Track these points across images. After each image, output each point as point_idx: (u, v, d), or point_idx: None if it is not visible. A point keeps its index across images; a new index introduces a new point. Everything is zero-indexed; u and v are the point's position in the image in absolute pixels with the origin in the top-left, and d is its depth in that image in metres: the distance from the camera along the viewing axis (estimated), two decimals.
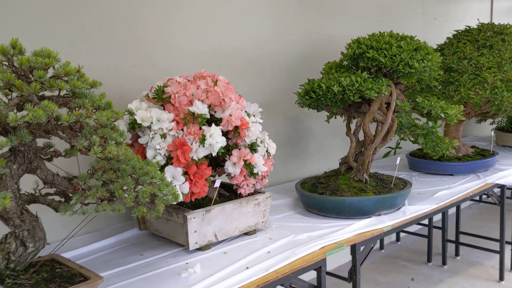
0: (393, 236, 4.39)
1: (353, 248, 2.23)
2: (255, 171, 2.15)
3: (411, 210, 2.55)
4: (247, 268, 1.88)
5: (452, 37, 3.60)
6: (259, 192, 2.27)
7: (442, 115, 2.57)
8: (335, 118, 2.92)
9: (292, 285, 2.03)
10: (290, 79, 3.28)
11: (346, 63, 2.84)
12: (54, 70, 1.32)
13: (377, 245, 4.18)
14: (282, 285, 1.96)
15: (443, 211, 2.99)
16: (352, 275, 2.25)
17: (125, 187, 1.39)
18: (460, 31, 3.57)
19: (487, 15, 5.57)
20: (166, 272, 1.87)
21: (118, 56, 2.40)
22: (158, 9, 2.55)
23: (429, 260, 3.88)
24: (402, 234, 4.37)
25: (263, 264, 1.91)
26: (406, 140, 2.72)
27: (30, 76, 1.25)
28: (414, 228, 4.06)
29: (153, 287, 1.74)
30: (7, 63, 1.23)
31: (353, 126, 2.76)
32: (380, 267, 3.70)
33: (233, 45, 2.94)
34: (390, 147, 2.88)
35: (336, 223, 2.37)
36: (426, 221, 3.88)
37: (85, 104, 1.30)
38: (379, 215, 2.46)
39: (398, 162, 2.78)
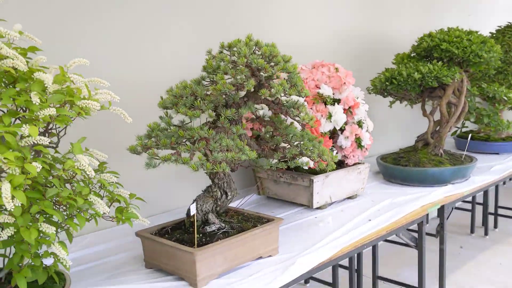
0: (434, 213, 4.83)
1: (441, 208, 2.67)
2: (362, 144, 2.57)
3: (477, 180, 2.99)
4: (369, 220, 2.30)
5: (495, 32, 4.04)
6: (359, 163, 2.69)
7: (505, 98, 3.00)
8: (400, 103, 3.35)
9: (400, 235, 2.45)
10: (355, 68, 3.70)
11: (414, 54, 3.26)
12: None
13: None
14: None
15: (502, 181, 3.39)
16: (440, 231, 2.69)
17: (310, 148, 1.80)
18: (503, 27, 4.01)
19: None
20: (304, 223, 2.29)
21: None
22: (255, 3, 2.95)
23: (472, 231, 4.34)
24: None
25: (379, 219, 2.33)
26: (470, 121, 3.15)
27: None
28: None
29: (303, 232, 2.16)
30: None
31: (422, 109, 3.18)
32: (431, 239, 4.15)
33: (316, 38, 3.35)
34: (456, 127, 3.31)
35: (420, 189, 2.79)
36: (469, 198, 4.33)
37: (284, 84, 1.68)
38: (454, 183, 2.89)
39: (469, 138, 3.21)
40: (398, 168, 2.93)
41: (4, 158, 1.09)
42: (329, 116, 2.35)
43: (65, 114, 1.21)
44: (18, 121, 1.24)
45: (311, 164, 2.36)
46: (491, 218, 4.44)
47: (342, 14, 3.59)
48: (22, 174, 1.12)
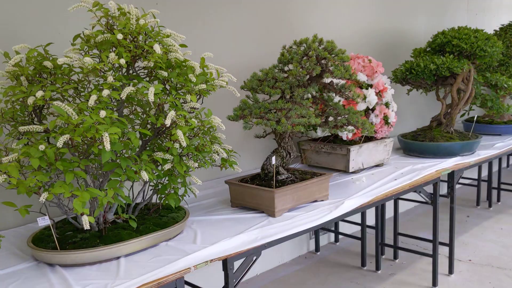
0: (444, 189, 5.46)
1: (451, 174, 3.29)
2: (389, 121, 3.20)
3: (481, 153, 3.61)
4: (395, 179, 2.93)
5: (498, 29, 4.64)
6: (385, 137, 3.32)
7: (505, 86, 3.61)
8: (417, 91, 3.96)
9: (420, 192, 3.08)
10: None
11: (429, 48, 3.88)
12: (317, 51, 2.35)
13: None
14: (414, 191, 3.02)
15: (505, 155, 3.99)
16: (450, 193, 3.32)
17: (355, 119, 2.43)
18: (505, 25, 4.60)
19: None
20: (343, 182, 2.92)
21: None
22: (298, 8, 3.58)
23: (478, 204, 4.96)
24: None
25: (403, 179, 2.96)
26: (476, 105, 3.76)
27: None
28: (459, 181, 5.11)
29: (344, 187, 2.79)
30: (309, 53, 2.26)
31: (434, 96, 3.80)
32: (443, 206, 4.80)
33: (343, 33, 3.97)
34: (464, 110, 3.93)
35: (434, 160, 3.41)
36: (475, 176, 4.95)
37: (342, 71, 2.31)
38: (462, 155, 3.51)
39: (475, 119, 3.82)
40: (416, 143, 3.55)
41: (177, 114, 1.74)
42: (364, 98, 2.98)
43: (207, 89, 1.85)
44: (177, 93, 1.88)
45: (349, 136, 3.01)
46: (494, 193, 5.06)
47: (366, 13, 4.21)
48: (186, 126, 1.77)
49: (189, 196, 2.17)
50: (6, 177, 1.58)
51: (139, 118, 1.97)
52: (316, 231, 3.92)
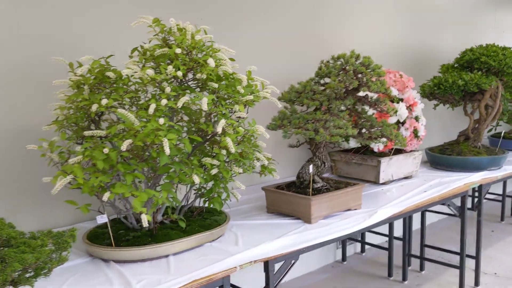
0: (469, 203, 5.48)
1: (479, 188, 3.35)
2: (418, 134, 3.28)
3: (508, 168, 3.66)
4: (425, 191, 3.01)
5: None
6: (415, 150, 3.40)
7: None
8: (443, 106, 4.04)
9: (449, 205, 3.15)
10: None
11: (457, 65, 3.96)
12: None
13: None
14: (443, 203, 3.09)
15: None
16: (478, 206, 3.38)
17: (389, 131, 2.53)
18: None
19: None
20: (373, 193, 3.01)
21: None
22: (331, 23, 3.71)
23: (502, 219, 4.98)
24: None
25: (432, 191, 3.04)
26: (503, 120, 3.83)
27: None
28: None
29: (375, 198, 2.88)
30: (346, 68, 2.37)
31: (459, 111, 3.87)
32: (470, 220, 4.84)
33: (373, 47, 4.09)
34: (492, 125, 3.99)
35: (461, 174, 3.48)
36: (500, 191, 4.98)
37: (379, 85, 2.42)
38: (489, 170, 3.57)
39: (502, 134, 3.89)
40: (444, 156, 3.63)
41: (227, 123, 1.87)
42: (395, 111, 3.08)
43: (253, 100, 1.98)
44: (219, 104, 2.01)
45: (381, 148, 3.10)
46: None
47: (394, 29, 4.32)
48: (234, 134, 1.90)
49: (230, 200, 2.28)
50: (72, 177, 1.73)
51: (189, 126, 2.11)
52: (343, 241, 4.01)
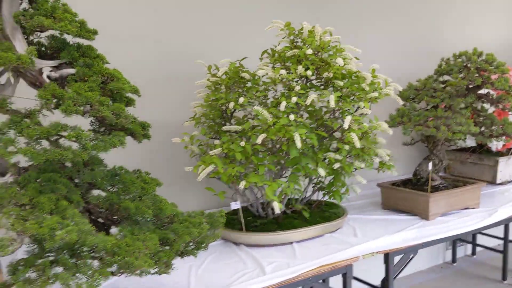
0: None
1: None
2: None
3: None
4: None
5: None
6: None
7: None
8: None
9: None
10: None
11: None
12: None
13: None
14: None
15: None
16: None
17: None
18: None
19: None
20: (489, 193, 2.92)
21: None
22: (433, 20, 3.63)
23: None
24: None
25: None
26: None
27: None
28: None
29: (491, 198, 2.80)
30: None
31: None
32: None
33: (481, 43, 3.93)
34: None
35: None
36: None
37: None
38: None
39: None
40: None
41: (352, 119, 1.97)
42: None
43: (377, 97, 2.06)
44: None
45: (499, 147, 3.01)
46: None
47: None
48: (358, 130, 1.99)
49: (349, 195, 2.37)
50: (213, 167, 1.94)
51: (313, 122, 2.23)
52: (453, 242, 3.91)
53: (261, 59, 2.21)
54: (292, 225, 2.15)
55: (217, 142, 2.07)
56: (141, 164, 1.63)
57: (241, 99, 1.97)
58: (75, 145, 1.17)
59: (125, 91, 1.28)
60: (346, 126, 1.93)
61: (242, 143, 1.92)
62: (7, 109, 1.17)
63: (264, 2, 2.79)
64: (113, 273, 1.11)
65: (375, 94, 2.04)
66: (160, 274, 1.28)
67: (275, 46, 2.15)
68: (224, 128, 2.03)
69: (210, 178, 2.02)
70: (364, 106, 2.02)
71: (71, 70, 1.26)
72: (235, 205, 2.09)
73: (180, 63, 2.50)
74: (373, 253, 2.05)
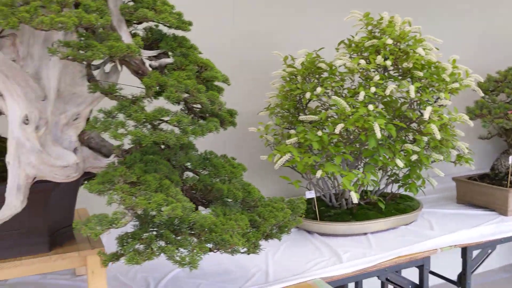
0: None
1: None
2: None
3: None
4: None
5: None
6: None
7: None
8: None
9: None
10: None
11: None
12: None
13: None
14: None
15: None
16: None
17: None
18: None
19: None
20: None
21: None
22: None
23: None
24: None
25: None
26: None
27: None
28: None
29: None
30: None
31: None
32: None
33: None
34: None
35: None
36: None
37: None
38: None
39: None
40: None
41: (433, 110, 1.94)
42: None
43: (458, 88, 2.02)
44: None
45: None
46: None
47: None
48: (438, 121, 1.96)
49: (425, 187, 2.32)
50: (290, 156, 1.98)
51: (390, 113, 2.22)
52: None
53: (337, 49, 2.23)
54: (366, 216, 2.16)
55: (292, 132, 2.11)
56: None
57: (319, 89, 2.00)
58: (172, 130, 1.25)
59: (218, 79, 1.35)
60: (426, 117, 1.91)
61: (319, 133, 1.95)
62: (115, 94, 1.26)
63: None
64: (210, 249, 1.18)
65: (456, 85, 2.00)
66: (248, 254, 1.34)
67: (352, 37, 2.15)
68: (301, 117, 2.06)
69: (278, 168, 2.05)
70: (444, 97, 1.99)
71: (169, 60, 1.34)
72: (310, 194, 2.12)
73: (252, 52, 2.56)
74: (451, 246, 2.02)
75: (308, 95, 2.05)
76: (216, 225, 1.18)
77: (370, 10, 2.14)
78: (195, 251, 1.11)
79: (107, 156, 1.35)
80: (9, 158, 1.19)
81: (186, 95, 1.25)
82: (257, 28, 2.59)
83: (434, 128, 1.92)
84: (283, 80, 2.27)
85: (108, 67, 1.37)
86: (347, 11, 2.16)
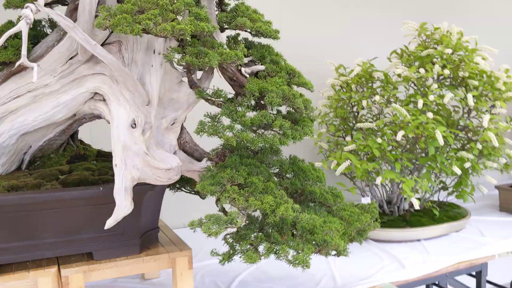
0: None
1: None
2: None
3: None
4: None
5: None
6: None
7: None
8: None
9: None
10: None
11: None
12: None
13: None
14: None
15: None
16: None
17: None
18: None
19: None
20: None
21: None
22: None
23: None
24: None
25: None
26: None
27: None
28: None
29: None
30: None
31: None
32: None
33: None
34: None
35: None
36: None
37: None
38: None
39: None
40: None
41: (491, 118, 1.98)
42: None
43: (511, 97, 2.07)
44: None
45: None
46: None
47: None
48: (495, 129, 2.00)
49: (473, 195, 2.36)
50: (349, 163, 2.02)
51: (444, 120, 2.26)
52: None
53: (389, 59, 2.28)
54: (420, 222, 2.19)
55: (348, 139, 2.15)
56: None
57: (377, 97, 2.04)
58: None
59: (307, 86, 1.39)
60: (485, 124, 1.95)
61: (379, 140, 1.99)
62: (207, 98, 1.30)
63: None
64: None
65: (510, 94, 2.04)
66: (338, 256, 1.37)
67: (406, 47, 2.20)
68: (358, 125, 2.11)
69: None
70: (500, 106, 2.04)
71: (261, 67, 1.38)
72: (365, 200, 2.15)
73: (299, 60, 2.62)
74: (507, 252, 2.05)
75: (365, 103, 2.10)
76: (316, 227, 1.21)
77: (406, 18, 2.21)
78: (303, 251, 1.15)
79: (199, 160, 1.38)
80: (116, 161, 1.22)
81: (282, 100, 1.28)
82: (303, 39, 2.65)
83: (492, 136, 1.97)
84: (332, 88, 2.32)
85: (199, 74, 1.42)
86: (388, 22, 2.22)
